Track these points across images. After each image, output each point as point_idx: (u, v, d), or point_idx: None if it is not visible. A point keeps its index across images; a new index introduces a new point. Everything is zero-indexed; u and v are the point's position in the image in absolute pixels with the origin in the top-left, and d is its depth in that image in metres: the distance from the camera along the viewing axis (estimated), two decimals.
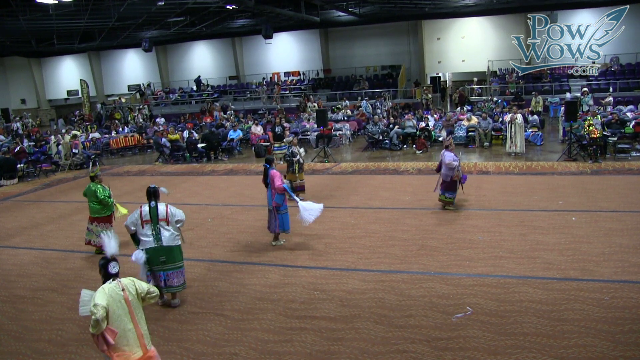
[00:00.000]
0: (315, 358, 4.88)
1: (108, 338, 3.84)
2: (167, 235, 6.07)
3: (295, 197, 7.99)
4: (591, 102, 18.31)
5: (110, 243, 4.17)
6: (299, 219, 7.70)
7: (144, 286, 4.20)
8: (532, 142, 16.02)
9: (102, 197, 8.16)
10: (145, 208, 6.11)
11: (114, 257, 4.11)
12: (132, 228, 6.16)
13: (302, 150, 11.09)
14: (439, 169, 9.43)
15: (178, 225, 6.18)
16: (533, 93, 21.96)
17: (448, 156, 9.09)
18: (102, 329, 3.81)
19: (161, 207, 6.11)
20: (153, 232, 6.04)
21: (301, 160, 10.87)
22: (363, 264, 7.11)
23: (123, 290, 4.01)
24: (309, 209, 7.71)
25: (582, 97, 18.44)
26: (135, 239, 6.22)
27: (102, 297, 3.87)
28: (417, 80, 28.72)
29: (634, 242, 7.20)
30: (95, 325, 3.79)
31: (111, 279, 4.03)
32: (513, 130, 14.63)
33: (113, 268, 4.05)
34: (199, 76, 32.86)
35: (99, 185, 8.25)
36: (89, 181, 8.45)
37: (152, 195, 6.17)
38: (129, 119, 27.86)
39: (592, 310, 5.35)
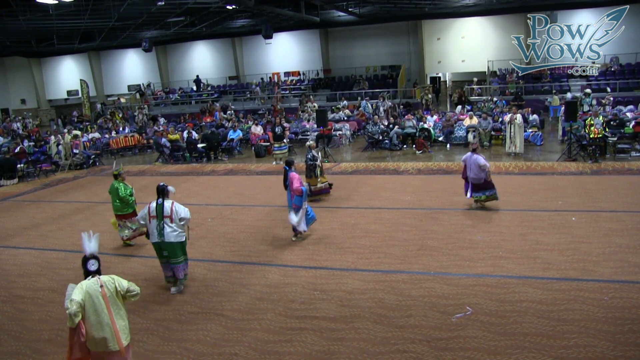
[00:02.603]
0: (315, 358, 4.88)
1: (80, 334, 4.06)
2: (169, 232, 6.35)
3: (305, 205, 8.02)
4: (594, 102, 18.29)
5: (90, 243, 4.40)
6: (289, 218, 8.02)
7: (124, 284, 4.36)
8: (532, 142, 16.02)
9: (124, 195, 8.37)
10: (153, 204, 6.46)
11: (94, 255, 4.33)
12: (142, 222, 6.60)
13: (319, 153, 11.18)
14: (465, 175, 9.39)
15: (182, 223, 6.46)
16: (554, 92, 22.07)
17: (480, 159, 9.09)
18: (76, 323, 4.03)
19: (167, 204, 6.41)
20: (157, 228, 6.35)
21: (320, 164, 10.88)
22: (363, 264, 7.11)
23: (101, 287, 4.21)
24: (304, 218, 7.99)
25: (584, 97, 18.41)
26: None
27: (78, 293, 4.12)
28: (416, 81, 28.73)
29: (634, 242, 7.20)
30: (69, 319, 4.02)
31: (90, 276, 4.26)
32: (513, 130, 14.63)
33: (92, 266, 4.29)
34: (197, 76, 32.87)
35: (121, 184, 8.44)
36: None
37: (160, 192, 6.49)
38: (131, 116, 27.97)
39: (592, 310, 5.35)
